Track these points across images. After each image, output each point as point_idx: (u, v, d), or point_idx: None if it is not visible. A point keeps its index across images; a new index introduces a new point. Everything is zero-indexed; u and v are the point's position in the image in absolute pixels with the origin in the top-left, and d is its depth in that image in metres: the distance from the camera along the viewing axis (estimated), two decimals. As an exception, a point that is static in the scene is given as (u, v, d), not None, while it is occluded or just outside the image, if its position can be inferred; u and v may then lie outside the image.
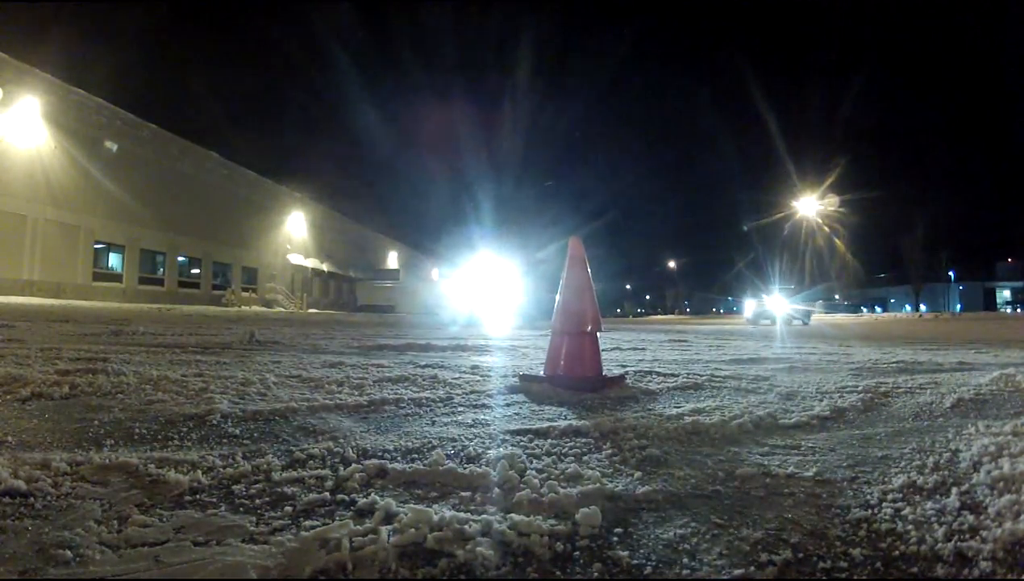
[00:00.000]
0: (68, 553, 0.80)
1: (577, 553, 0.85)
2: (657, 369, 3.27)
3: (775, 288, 24.73)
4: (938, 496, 1.11)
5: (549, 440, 1.53)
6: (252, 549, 0.83)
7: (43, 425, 1.54)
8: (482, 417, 1.83)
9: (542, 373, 2.60)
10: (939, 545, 0.88)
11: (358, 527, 0.89)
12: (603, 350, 2.69)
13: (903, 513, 1.01)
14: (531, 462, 1.31)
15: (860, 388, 2.60)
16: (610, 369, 2.96)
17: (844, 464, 1.34)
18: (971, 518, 0.98)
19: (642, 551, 0.86)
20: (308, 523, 0.93)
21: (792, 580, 0.79)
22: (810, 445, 1.54)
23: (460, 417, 1.82)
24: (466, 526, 0.90)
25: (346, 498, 1.05)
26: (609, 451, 1.42)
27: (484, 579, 0.78)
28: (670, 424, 1.72)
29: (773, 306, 22.33)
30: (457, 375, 2.80)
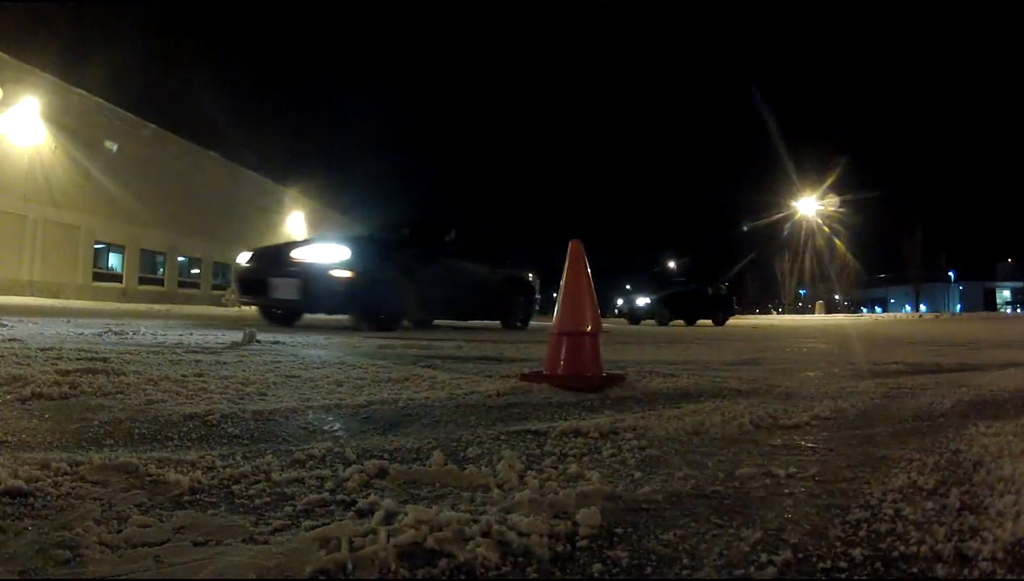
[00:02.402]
0: (68, 553, 0.80)
1: (577, 553, 0.85)
2: (657, 369, 3.26)
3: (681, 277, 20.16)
4: (938, 496, 1.11)
5: (549, 440, 1.53)
6: (252, 549, 0.83)
7: (43, 425, 1.54)
8: (482, 417, 1.83)
9: (542, 373, 2.60)
10: (939, 545, 0.88)
11: (358, 527, 0.89)
12: (603, 350, 2.69)
13: (903, 513, 1.01)
14: (531, 462, 1.31)
15: (860, 389, 2.60)
16: (610, 369, 2.96)
17: (844, 464, 1.34)
18: (972, 518, 0.98)
19: (642, 551, 0.86)
20: (308, 523, 0.93)
21: (792, 580, 0.79)
22: (810, 445, 1.54)
23: (460, 417, 1.82)
24: (466, 526, 0.90)
25: (346, 498, 1.05)
26: (609, 451, 1.41)
27: (484, 579, 0.78)
28: (670, 424, 1.72)
29: (657, 299, 17.22)
30: (457, 375, 2.80)
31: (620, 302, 19.90)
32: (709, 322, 18.08)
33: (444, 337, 6.02)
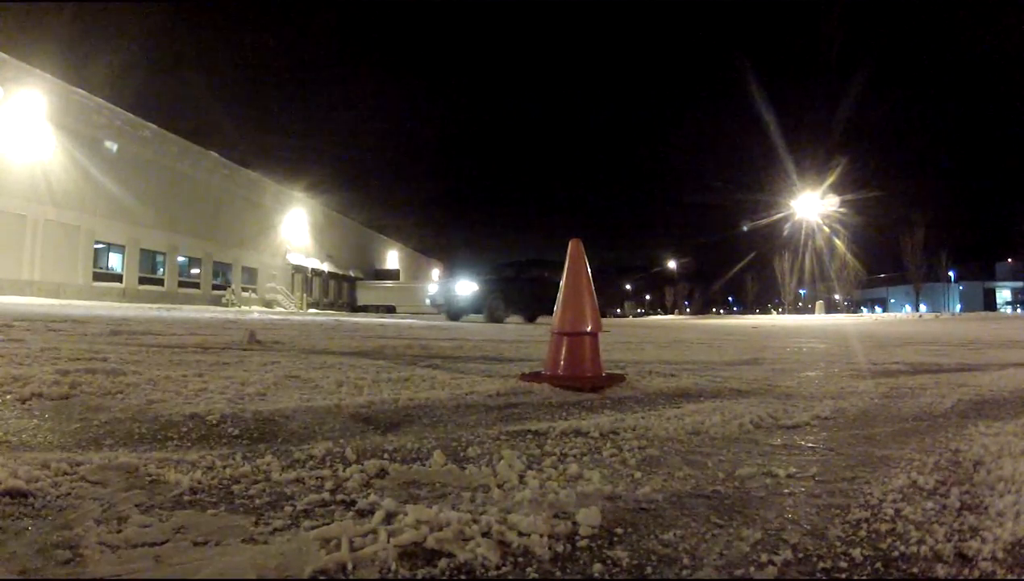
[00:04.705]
0: (68, 553, 0.80)
1: (577, 553, 0.85)
2: (657, 369, 3.26)
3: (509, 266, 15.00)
4: (938, 496, 1.11)
5: (549, 440, 1.53)
6: (252, 549, 0.83)
7: (43, 425, 1.54)
8: (482, 417, 1.83)
9: (542, 373, 2.60)
10: (939, 545, 0.88)
11: (358, 527, 0.89)
12: (603, 350, 2.69)
13: (903, 513, 1.01)
14: (531, 462, 1.31)
15: (860, 389, 2.60)
16: (610, 369, 2.95)
17: (844, 464, 1.34)
18: (972, 518, 0.98)
19: (642, 551, 0.86)
20: (308, 523, 0.93)
21: (792, 580, 0.79)
22: (810, 445, 1.54)
23: (460, 417, 1.82)
24: (466, 526, 0.90)
25: (346, 498, 1.05)
26: (609, 451, 1.41)
27: (484, 579, 0.78)
28: (670, 424, 1.71)
29: (487, 286, 13.35)
30: (457, 375, 2.80)
31: (434, 290, 14.39)
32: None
33: (441, 336, 6.03)
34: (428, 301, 14.49)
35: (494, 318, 12.77)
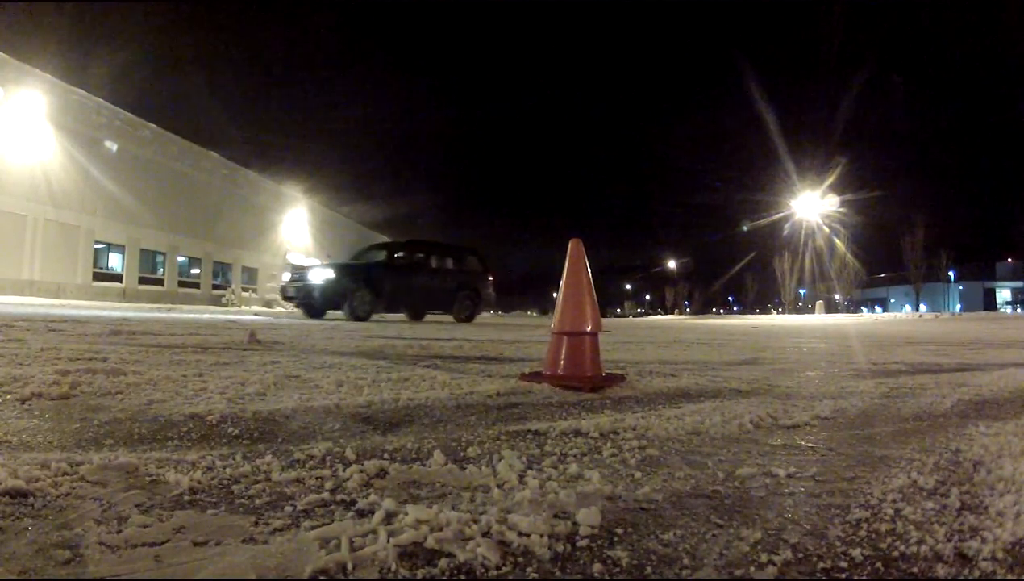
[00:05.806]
0: (68, 553, 0.80)
1: (577, 553, 0.85)
2: (657, 369, 3.26)
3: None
4: (938, 496, 1.11)
5: (549, 440, 1.53)
6: (252, 549, 0.83)
7: (43, 425, 1.54)
8: (482, 417, 1.83)
9: (542, 373, 2.60)
10: (939, 545, 0.88)
11: (358, 527, 0.89)
12: (603, 350, 2.69)
13: (903, 513, 1.01)
14: (531, 462, 1.31)
15: (860, 389, 2.60)
16: (610, 369, 2.95)
17: (844, 464, 1.34)
18: (972, 518, 0.98)
19: (642, 551, 0.86)
20: (308, 523, 0.93)
21: (792, 580, 0.79)
22: (810, 445, 1.54)
23: (460, 417, 1.82)
24: (466, 526, 0.90)
25: (346, 498, 1.05)
26: (609, 451, 1.41)
27: (484, 579, 0.78)
28: (670, 424, 1.72)
29: (352, 273, 10.62)
30: (457, 375, 2.80)
31: (287, 278, 11.65)
32: (450, 317, 11.76)
33: (441, 336, 6.03)
34: (282, 292, 11.67)
35: (357, 315, 10.14)
